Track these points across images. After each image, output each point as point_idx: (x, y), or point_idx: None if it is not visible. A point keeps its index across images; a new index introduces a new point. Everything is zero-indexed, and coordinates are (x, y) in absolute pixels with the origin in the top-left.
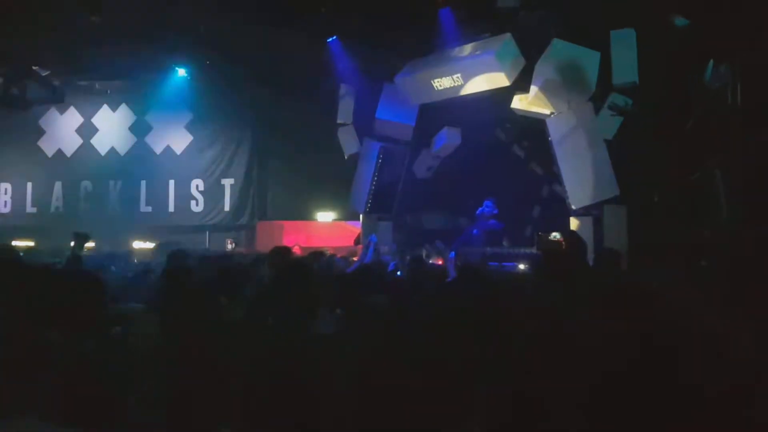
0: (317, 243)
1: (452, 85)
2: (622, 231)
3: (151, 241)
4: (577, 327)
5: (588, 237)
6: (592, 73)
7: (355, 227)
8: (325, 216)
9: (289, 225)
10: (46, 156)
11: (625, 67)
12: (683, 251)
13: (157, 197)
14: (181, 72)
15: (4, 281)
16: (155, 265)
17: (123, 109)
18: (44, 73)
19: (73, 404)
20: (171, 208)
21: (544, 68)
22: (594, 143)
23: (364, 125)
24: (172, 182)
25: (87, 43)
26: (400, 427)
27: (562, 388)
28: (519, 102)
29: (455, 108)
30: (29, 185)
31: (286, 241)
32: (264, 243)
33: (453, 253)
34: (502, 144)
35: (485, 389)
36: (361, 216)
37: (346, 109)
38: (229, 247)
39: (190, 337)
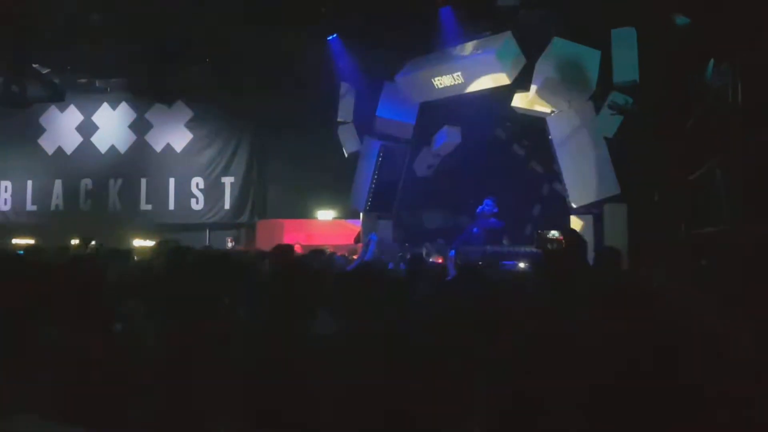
0: (317, 241)
1: (453, 84)
2: (622, 230)
3: (151, 239)
4: (577, 327)
5: (588, 236)
6: (593, 71)
7: (356, 225)
8: (326, 214)
9: (289, 223)
10: (46, 154)
11: (626, 65)
12: (683, 251)
13: (157, 195)
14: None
15: (5, 279)
16: (155, 263)
17: (123, 107)
18: (44, 71)
19: (74, 402)
20: (171, 206)
21: (544, 67)
22: (594, 142)
23: (364, 123)
24: (172, 180)
25: (87, 41)
26: (400, 427)
27: (562, 388)
28: (519, 100)
29: (456, 106)
30: (29, 183)
31: (286, 240)
32: (264, 241)
33: (453, 251)
34: (503, 142)
35: (485, 389)
36: (361, 214)
37: (346, 108)
38: (229, 245)
39: (190, 336)
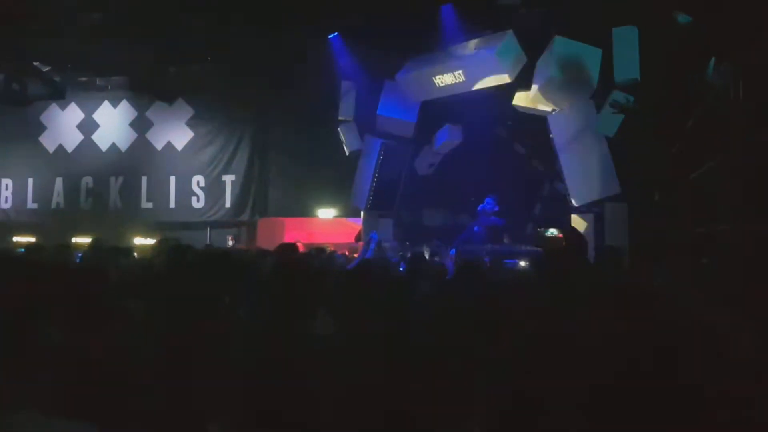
0: (318, 240)
1: (454, 82)
2: (623, 229)
3: (151, 237)
4: (577, 327)
5: (589, 234)
6: (594, 70)
7: (356, 224)
8: (326, 213)
9: (289, 221)
10: (47, 152)
11: (627, 64)
12: (684, 250)
13: (158, 193)
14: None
15: (5, 278)
16: (156, 261)
17: (124, 105)
18: (45, 69)
19: (74, 400)
20: (172, 205)
21: (545, 65)
22: (595, 141)
23: (365, 122)
24: (173, 178)
25: (88, 40)
26: (400, 427)
27: (562, 388)
28: (521, 99)
29: (457, 105)
30: (30, 181)
31: (287, 238)
32: (265, 240)
33: (453, 250)
34: (504, 141)
35: (485, 389)
36: (362, 213)
37: (347, 106)
38: (230, 243)
39: (190, 335)
